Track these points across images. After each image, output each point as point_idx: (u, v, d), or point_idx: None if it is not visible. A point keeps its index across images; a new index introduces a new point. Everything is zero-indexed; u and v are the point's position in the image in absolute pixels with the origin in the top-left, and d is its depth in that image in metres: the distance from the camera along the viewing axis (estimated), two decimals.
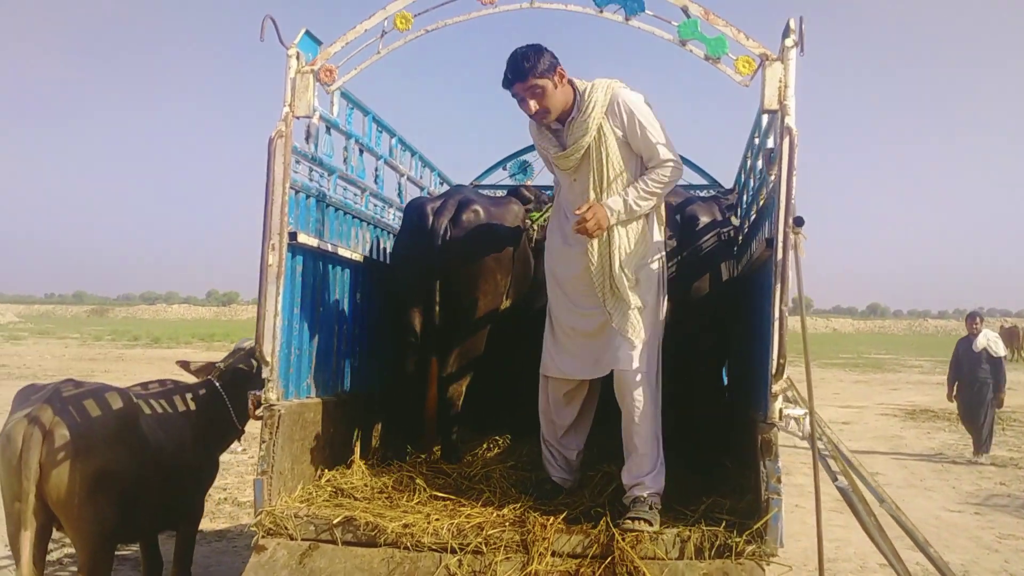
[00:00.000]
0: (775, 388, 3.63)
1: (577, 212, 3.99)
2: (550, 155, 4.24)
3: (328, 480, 4.35)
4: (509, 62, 3.99)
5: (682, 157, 4.26)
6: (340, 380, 4.84)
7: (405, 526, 3.79)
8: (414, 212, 4.90)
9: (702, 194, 6.00)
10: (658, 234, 4.18)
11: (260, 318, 3.89)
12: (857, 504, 4.20)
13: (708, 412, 4.86)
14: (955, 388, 12.19)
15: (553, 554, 3.67)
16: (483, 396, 5.17)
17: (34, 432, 4.18)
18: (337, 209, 4.74)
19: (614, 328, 4.06)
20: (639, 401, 4.01)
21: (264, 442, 3.95)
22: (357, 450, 4.69)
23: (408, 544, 3.73)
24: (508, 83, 4.02)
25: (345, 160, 4.91)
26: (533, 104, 4.00)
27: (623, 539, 3.63)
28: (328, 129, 4.66)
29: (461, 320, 4.74)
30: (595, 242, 4.02)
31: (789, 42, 3.70)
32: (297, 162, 4.27)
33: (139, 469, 4.42)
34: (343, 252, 4.69)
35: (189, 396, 5.00)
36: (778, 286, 3.63)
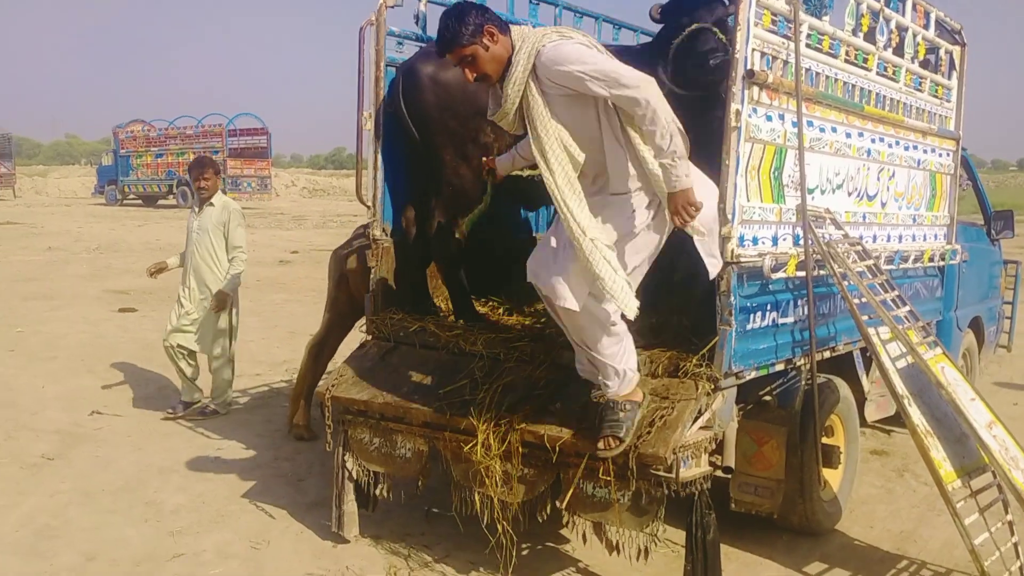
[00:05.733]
0: (724, 231, 3.97)
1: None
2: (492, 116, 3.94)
3: (439, 301, 5.41)
4: (438, 30, 3.87)
5: None
6: None
7: (455, 336, 4.79)
8: None
9: None
10: None
11: (358, 173, 5.01)
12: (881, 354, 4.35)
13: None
14: None
15: (551, 364, 4.45)
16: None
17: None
18: None
19: None
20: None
21: (372, 268, 5.11)
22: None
23: (454, 349, 4.74)
24: (440, 54, 3.92)
25: None
26: (469, 74, 3.81)
27: None
28: None
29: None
30: None
31: None
32: (400, 43, 5.21)
33: None
34: None
35: None
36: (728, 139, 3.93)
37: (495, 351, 4.63)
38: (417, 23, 5.33)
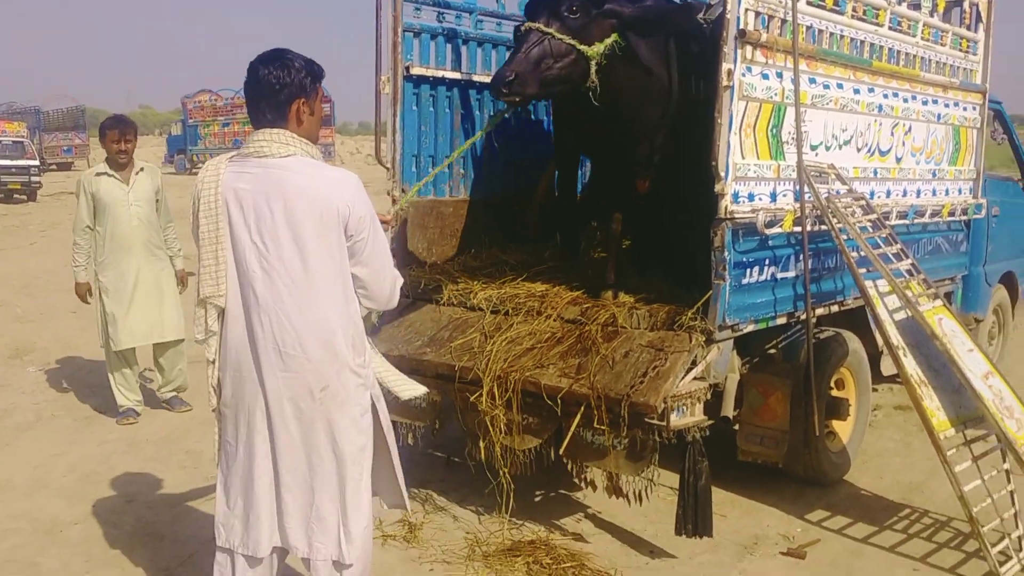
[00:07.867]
0: (716, 188, 4.07)
1: None
2: None
3: (453, 260, 5.61)
4: None
5: None
6: (466, 185, 5.85)
7: (465, 293, 4.98)
8: None
9: None
10: None
11: (377, 134, 5.21)
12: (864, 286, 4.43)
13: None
14: None
15: (556, 318, 4.62)
16: None
17: None
18: (476, 42, 5.75)
19: None
20: None
21: (393, 227, 5.32)
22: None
23: (466, 305, 4.94)
24: None
25: None
26: None
27: (599, 311, 4.48)
28: None
29: None
30: None
31: None
32: (418, 9, 5.37)
33: None
34: (476, 77, 5.72)
35: None
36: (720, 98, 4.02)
37: (505, 307, 4.81)
38: None
